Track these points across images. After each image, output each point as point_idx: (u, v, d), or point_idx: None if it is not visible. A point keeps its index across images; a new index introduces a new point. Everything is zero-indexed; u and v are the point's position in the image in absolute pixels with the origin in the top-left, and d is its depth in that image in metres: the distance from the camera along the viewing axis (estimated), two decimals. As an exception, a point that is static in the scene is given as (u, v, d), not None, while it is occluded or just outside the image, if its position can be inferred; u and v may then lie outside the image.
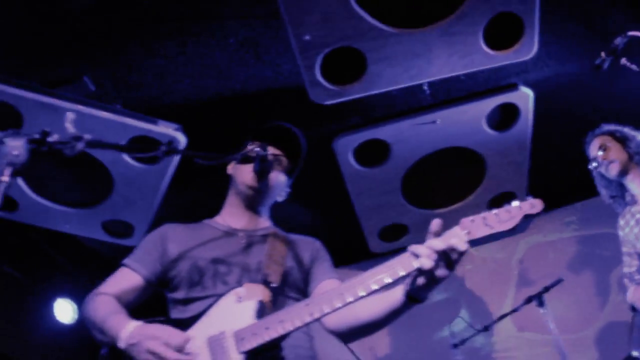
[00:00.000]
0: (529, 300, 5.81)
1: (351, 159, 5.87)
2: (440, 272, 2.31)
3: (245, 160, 2.90)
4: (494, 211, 2.36)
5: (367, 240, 6.97)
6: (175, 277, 2.96)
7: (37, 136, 2.27)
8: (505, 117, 5.81)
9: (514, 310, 5.92)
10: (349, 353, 6.23)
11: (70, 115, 2.37)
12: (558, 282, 5.77)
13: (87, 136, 2.39)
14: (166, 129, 5.21)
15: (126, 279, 2.98)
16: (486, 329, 6.03)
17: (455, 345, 6.10)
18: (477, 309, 7.35)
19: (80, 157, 5.40)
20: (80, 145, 2.36)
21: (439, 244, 2.28)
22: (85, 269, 8.07)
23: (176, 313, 2.94)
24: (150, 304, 3.15)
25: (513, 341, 7.13)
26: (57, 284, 7.99)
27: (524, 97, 5.59)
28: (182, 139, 5.26)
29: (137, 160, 5.55)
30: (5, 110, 5.10)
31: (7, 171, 2.12)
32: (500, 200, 6.31)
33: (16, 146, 2.14)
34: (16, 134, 2.19)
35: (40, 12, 4.82)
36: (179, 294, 2.94)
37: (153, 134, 5.24)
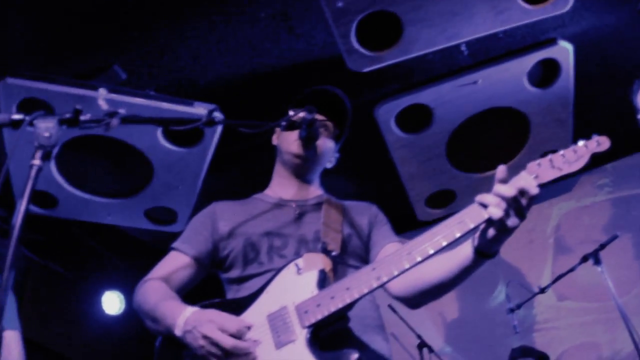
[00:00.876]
0: (584, 259, 5.66)
1: (394, 126, 5.75)
2: (511, 221, 2.16)
3: (290, 127, 2.75)
4: (560, 152, 2.22)
5: (414, 208, 6.85)
6: (228, 255, 2.84)
7: (68, 115, 2.17)
8: (546, 73, 5.63)
9: (571, 270, 5.76)
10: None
11: (102, 92, 2.26)
12: (613, 238, 5.62)
13: (122, 111, 2.30)
14: (202, 110, 5.12)
15: (176, 262, 2.87)
16: (543, 291, 5.90)
17: (512, 310, 5.98)
18: (516, 278, 7.26)
19: (117, 146, 5.41)
20: (115, 122, 2.27)
21: (507, 190, 2.13)
22: (131, 259, 8.08)
23: (232, 293, 2.83)
24: (204, 287, 3.07)
25: (553, 312, 7.00)
26: (104, 277, 8.03)
27: (564, 51, 5.42)
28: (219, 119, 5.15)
29: (176, 144, 5.47)
30: (37, 106, 5.02)
31: (39, 154, 2.01)
32: None
33: (47, 127, 2.04)
34: (46, 114, 2.10)
35: (66, 4, 4.78)
36: (234, 273, 2.82)
37: (189, 116, 5.13)
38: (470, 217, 2.23)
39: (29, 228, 1.88)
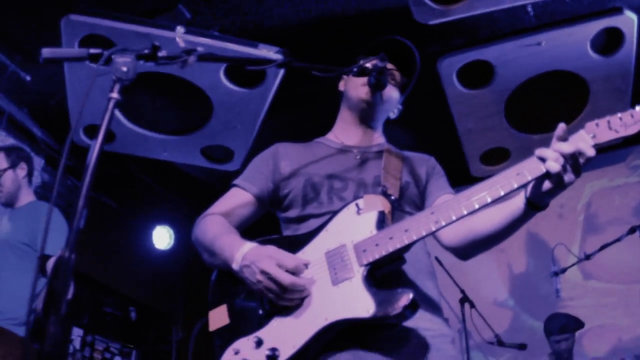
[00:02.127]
0: (632, 230, 5.61)
1: (455, 80, 5.77)
2: (568, 176, 2.20)
3: (360, 73, 2.78)
4: (619, 115, 2.24)
5: (469, 163, 6.90)
6: (288, 194, 2.87)
7: (147, 51, 2.20)
8: (609, 41, 5.59)
9: (617, 240, 5.73)
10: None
11: (180, 29, 2.28)
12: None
13: (200, 49, 2.31)
14: (267, 52, 5.17)
15: (237, 198, 2.90)
16: (588, 257, 5.90)
17: (556, 274, 6.00)
18: (544, 253, 7.27)
19: (177, 83, 5.46)
20: (192, 59, 2.29)
21: (567, 147, 2.17)
22: (183, 195, 8.19)
23: (290, 232, 2.86)
24: (262, 225, 3.10)
25: (579, 289, 7.01)
26: (155, 212, 8.17)
27: (629, 22, 5.37)
28: (284, 62, 5.20)
29: (238, 85, 5.52)
30: (102, 43, 5.10)
31: (117, 87, 2.03)
32: None
33: (125, 62, 2.06)
34: (124, 49, 2.12)
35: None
36: (293, 212, 2.85)
37: (253, 57, 5.16)
38: (528, 169, 2.26)
39: (83, 162, 1.94)
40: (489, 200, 2.29)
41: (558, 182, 2.22)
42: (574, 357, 6.26)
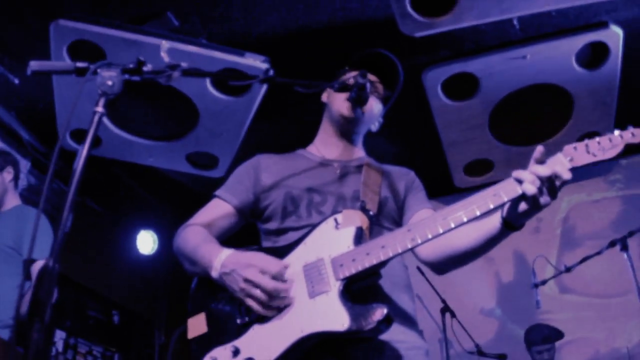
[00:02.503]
0: (612, 243, 5.64)
1: (440, 92, 5.81)
2: (544, 199, 2.26)
3: (342, 88, 2.81)
4: (597, 139, 2.30)
5: (452, 174, 6.97)
6: (268, 207, 2.91)
7: (131, 66, 2.22)
8: (594, 55, 5.64)
9: (598, 253, 5.74)
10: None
11: (165, 44, 2.31)
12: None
13: (184, 64, 2.32)
14: (253, 61, 5.20)
15: (218, 209, 2.93)
16: (569, 270, 5.94)
17: (536, 285, 6.04)
18: (520, 266, 7.32)
19: (164, 90, 5.48)
20: (176, 74, 2.31)
21: (543, 170, 2.22)
22: (167, 200, 8.22)
23: (270, 244, 2.90)
24: (241, 236, 3.13)
25: (555, 303, 7.07)
26: (139, 217, 8.17)
27: (614, 36, 5.42)
28: (269, 71, 5.23)
29: (224, 93, 5.56)
30: (89, 49, 5.15)
31: (102, 101, 2.08)
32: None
33: (110, 76, 2.11)
34: (110, 64, 2.16)
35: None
36: (273, 225, 2.89)
37: (240, 66, 5.23)
38: (505, 190, 2.30)
39: (69, 165, 1.98)
40: (465, 219, 2.33)
41: (534, 204, 2.28)
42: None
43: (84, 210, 7.50)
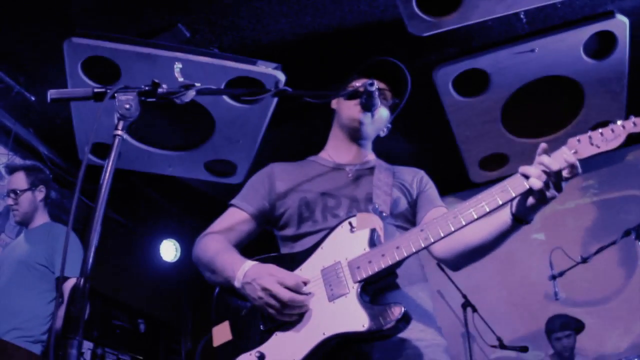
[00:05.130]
0: (627, 233, 5.70)
1: (451, 89, 5.87)
2: (550, 192, 2.31)
3: (352, 96, 2.91)
4: (600, 130, 2.34)
5: (468, 169, 7.02)
6: (284, 213, 2.97)
7: (147, 88, 2.30)
8: (602, 45, 5.68)
9: (613, 243, 5.80)
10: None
11: (178, 65, 2.37)
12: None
13: (198, 84, 2.41)
14: (265, 69, 5.27)
15: (234, 218, 3.00)
16: (585, 260, 5.96)
17: (554, 277, 6.06)
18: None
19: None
20: (191, 94, 2.39)
21: (549, 162, 2.29)
22: (188, 209, 8.28)
23: (287, 249, 2.94)
24: (259, 243, 3.20)
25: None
26: (161, 226, 8.24)
27: (621, 25, 5.45)
28: (281, 78, 5.32)
29: (238, 101, 5.63)
30: (104, 64, 5.25)
31: (121, 124, 2.17)
32: (598, 129, 6.26)
33: (127, 99, 2.18)
34: (127, 87, 2.23)
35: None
36: (289, 231, 2.96)
37: (253, 74, 5.31)
38: (512, 186, 2.36)
39: (89, 178, 2.05)
40: (475, 216, 2.38)
41: (540, 198, 2.34)
42: (575, 357, 6.35)
43: (106, 222, 7.52)
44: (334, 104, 3.23)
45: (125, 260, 7.89)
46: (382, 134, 3.22)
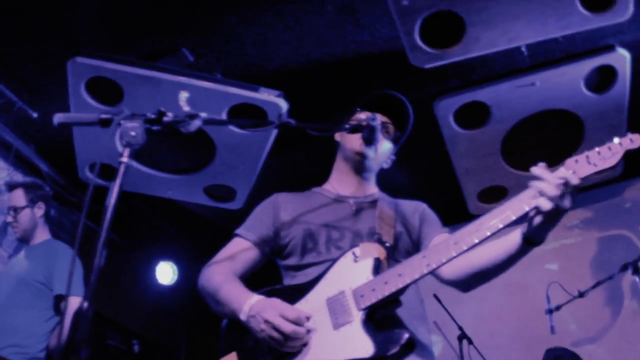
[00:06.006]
0: (624, 267, 5.71)
1: (452, 121, 5.88)
2: (564, 202, 2.34)
3: (354, 130, 2.93)
4: (597, 149, 2.38)
5: (467, 201, 7.01)
6: (288, 243, 3.00)
7: (153, 116, 2.32)
8: (602, 79, 5.69)
9: (610, 278, 5.83)
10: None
11: (183, 94, 2.39)
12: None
13: (203, 114, 2.44)
14: (268, 96, 5.28)
15: (239, 247, 3.03)
16: (582, 295, 5.95)
17: (550, 311, 6.04)
18: (536, 292, 7.35)
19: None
20: (196, 123, 2.42)
21: (551, 177, 2.34)
22: (186, 231, 8.27)
23: (289, 279, 2.99)
24: (263, 273, 3.21)
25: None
26: (158, 248, 8.23)
27: (621, 59, 5.46)
28: (283, 105, 5.33)
29: (240, 128, 5.64)
30: (107, 85, 5.27)
31: (126, 152, 2.16)
32: None
33: (133, 127, 2.18)
34: (133, 115, 2.24)
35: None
36: (292, 260, 2.99)
37: (255, 101, 5.33)
38: (513, 209, 2.40)
39: (92, 198, 2.06)
40: (477, 241, 2.42)
41: (549, 215, 2.36)
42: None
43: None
44: (337, 136, 3.27)
45: (121, 280, 7.87)
46: (386, 166, 3.26)
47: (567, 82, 5.65)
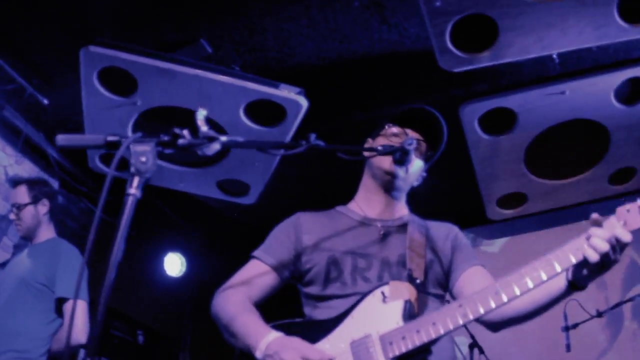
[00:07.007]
0: None
1: (476, 127, 5.73)
2: (613, 256, 2.23)
3: (387, 153, 2.75)
4: None
5: (485, 206, 6.87)
6: (310, 270, 2.82)
7: (166, 139, 2.07)
8: (634, 90, 5.56)
9: (631, 300, 5.78)
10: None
11: (202, 112, 2.15)
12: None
13: (223, 138, 2.15)
14: (288, 93, 5.17)
15: (256, 271, 2.87)
16: (600, 315, 5.84)
17: (567, 329, 5.92)
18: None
19: (193, 117, 5.48)
20: (215, 147, 2.15)
21: (603, 234, 2.20)
22: (196, 222, 8.17)
23: (310, 308, 2.85)
24: (282, 296, 3.06)
25: None
26: (167, 238, 8.14)
27: (655, 71, 5.34)
28: (304, 103, 5.22)
29: (258, 123, 5.51)
30: (121, 75, 5.15)
31: (135, 181, 1.92)
32: (621, 175, 6.32)
33: (144, 151, 1.93)
34: (143, 137, 1.98)
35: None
36: (315, 289, 2.81)
37: (274, 97, 5.20)
38: (558, 260, 2.27)
39: (98, 186, 1.88)
40: (518, 293, 2.30)
41: (595, 268, 2.28)
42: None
43: (111, 230, 7.47)
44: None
45: (128, 270, 7.73)
46: (416, 184, 3.06)
47: (597, 93, 5.52)
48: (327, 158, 3.36)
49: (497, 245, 7.70)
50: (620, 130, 5.88)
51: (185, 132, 2.11)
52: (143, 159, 1.92)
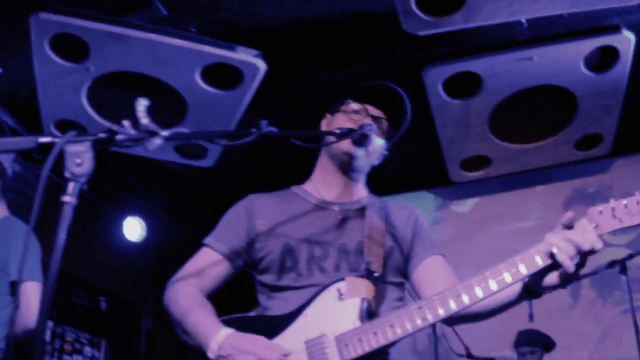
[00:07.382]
0: (611, 264, 5.68)
1: (440, 90, 5.59)
2: (580, 264, 2.22)
3: (344, 135, 2.57)
4: (624, 202, 2.19)
5: (448, 168, 6.81)
6: (264, 258, 2.71)
7: (102, 136, 1.92)
8: (603, 59, 5.48)
9: (594, 273, 5.76)
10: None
11: (142, 102, 1.96)
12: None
13: (165, 133, 2.01)
14: (245, 56, 5.04)
15: (208, 260, 2.76)
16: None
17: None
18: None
19: (151, 82, 5.33)
20: (156, 142, 2.00)
21: (575, 238, 2.17)
22: (155, 185, 8.06)
23: (265, 298, 2.75)
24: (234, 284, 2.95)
25: None
26: (126, 202, 8.00)
27: (626, 41, 5.25)
28: (262, 66, 5.09)
29: (214, 86, 5.38)
30: (73, 41, 4.99)
31: (70, 188, 1.76)
32: (588, 140, 6.31)
33: (78, 152, 1.78)
34: (78, 135, 1.82)
35: None
36: (269, 278, 2.72)
37: (231, 61, 5.06)
38: (525, 263, 2.23)
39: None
40: (482, 296, 2.27)
41: (565, 276, 2.26)
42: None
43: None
44: (324, 124, 2.94)
45: (87, 236, 7.62)
46: (377, 163, 2.90)
47: (566, 60, 5.45)
48: (289, 124, 3.23)
49: (467, 205, 7.77)
50: (588, 97, 5.83)
51: (127, 123, 1.99)
52: (78, 160, 1.78)
